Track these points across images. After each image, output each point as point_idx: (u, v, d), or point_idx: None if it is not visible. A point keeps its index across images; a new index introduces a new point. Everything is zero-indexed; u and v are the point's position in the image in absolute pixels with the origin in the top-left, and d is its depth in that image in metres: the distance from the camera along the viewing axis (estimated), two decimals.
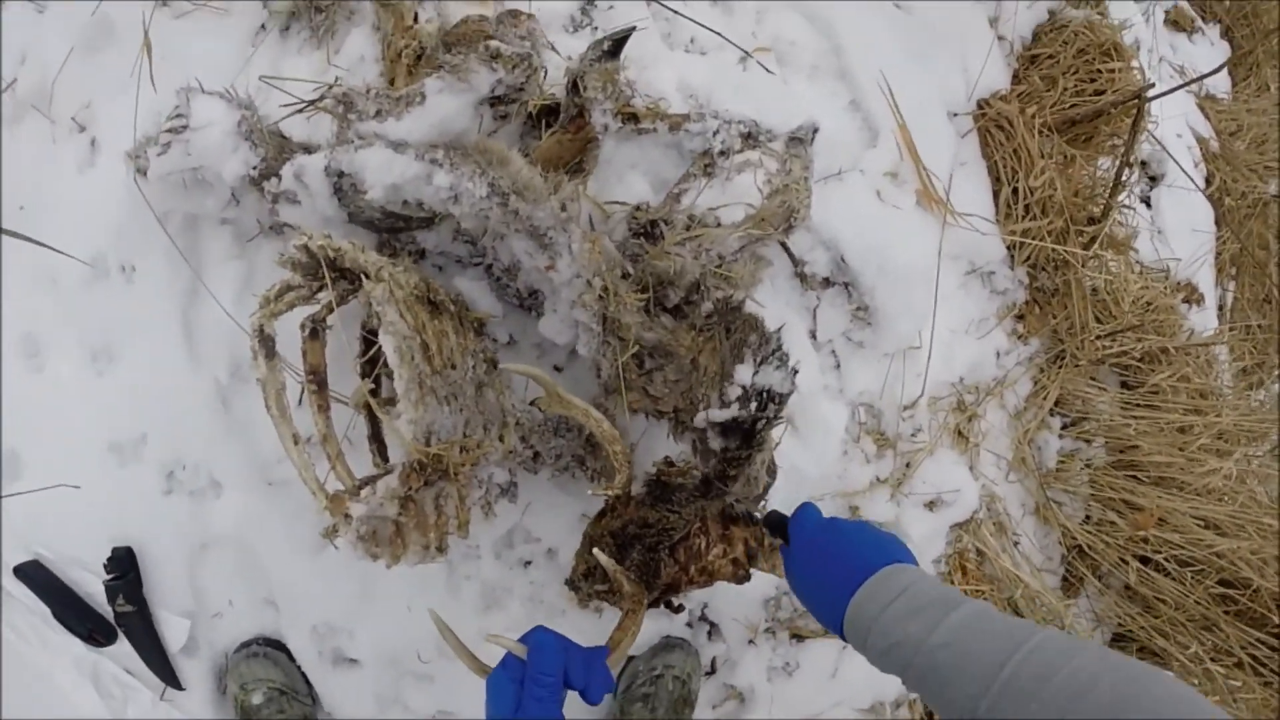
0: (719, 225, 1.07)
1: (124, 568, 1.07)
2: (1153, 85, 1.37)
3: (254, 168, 1.00)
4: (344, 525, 0.82)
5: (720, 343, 0.93)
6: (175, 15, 1.19)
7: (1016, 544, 1.43)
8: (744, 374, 0.82)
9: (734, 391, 0.81)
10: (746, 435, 0.81)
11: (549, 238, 0.87)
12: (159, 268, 1.12)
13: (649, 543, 0.85)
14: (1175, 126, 1.92)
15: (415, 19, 1.13)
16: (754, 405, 0.80)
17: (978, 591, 1.34)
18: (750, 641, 1.18)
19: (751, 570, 0.88)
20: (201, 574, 1.08)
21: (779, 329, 0.87)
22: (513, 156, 0.94)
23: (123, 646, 1.08)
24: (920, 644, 0.57)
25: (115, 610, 1.07)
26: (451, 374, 0.86)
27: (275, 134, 1.05)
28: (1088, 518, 1.53)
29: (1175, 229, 1.84)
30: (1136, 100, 1.37)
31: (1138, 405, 1.58)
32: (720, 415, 0.81)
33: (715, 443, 0.84)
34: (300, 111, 1.11)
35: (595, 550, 0.84)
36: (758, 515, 0.89)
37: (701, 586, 0.87)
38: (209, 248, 1.13)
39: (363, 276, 0.87)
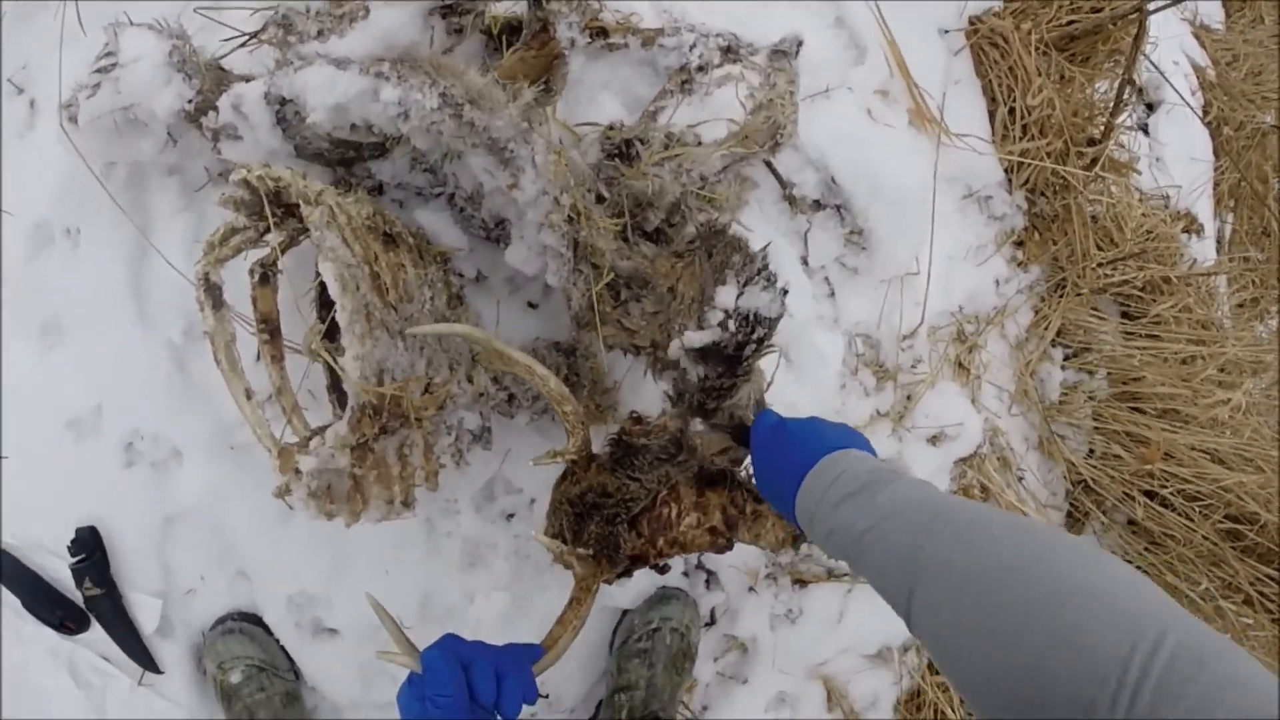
0: (700, 143, 0.94)
1: (89, 548, 0.96)
2: None
3: (189, 101, 0.88)
4: (295, 482, 0.70)
5: (700, 267, 0.79)
6: None
7: (1021, 479, 1.33)
8: (726, 296, 0.70)
9: (715, 316, 0.68)
10: (730, 362, 0.68)
11: (510, 151, 0.75)
12: (103, 227, 0.99)
13: (607, 514, 0.71)
14: (1171, 54, 1.79)
15: None
16: (739, 329, 0.68)
17: None
18: (751, 589, 1.08)
19: (734, 539, 0.75)
20: (170, 550, 0.97)
21: (765, 247, 0.75)
22: (467, 71, 0.81)
23: (97, 633, 0.98)
24: (849, 531, 0.52)
25: (84, 594, 0.96)
26: (407, 308, 0.74)
27: (212, 66, 0.92)
28: (1091, 451, 1.43)
29: (1174, 157, 1.71)
30: (1138, 13, 1.24)
31: (1140, 336, 1.47)
32: (697, 338, 0.68)
33: (693, 372, 0.70)
34: (243, 45, 0.98)
35: (535, 534, 0.72)
36: (740, 474, 0.76)
37: (671, 558, 0.75)
38: (156, 201, 1.01)
39: (302, 204, 0.75)
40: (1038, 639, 0.36)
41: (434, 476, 0.78)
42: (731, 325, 0.68)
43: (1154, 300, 1.50)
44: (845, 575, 1.13)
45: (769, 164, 1.03)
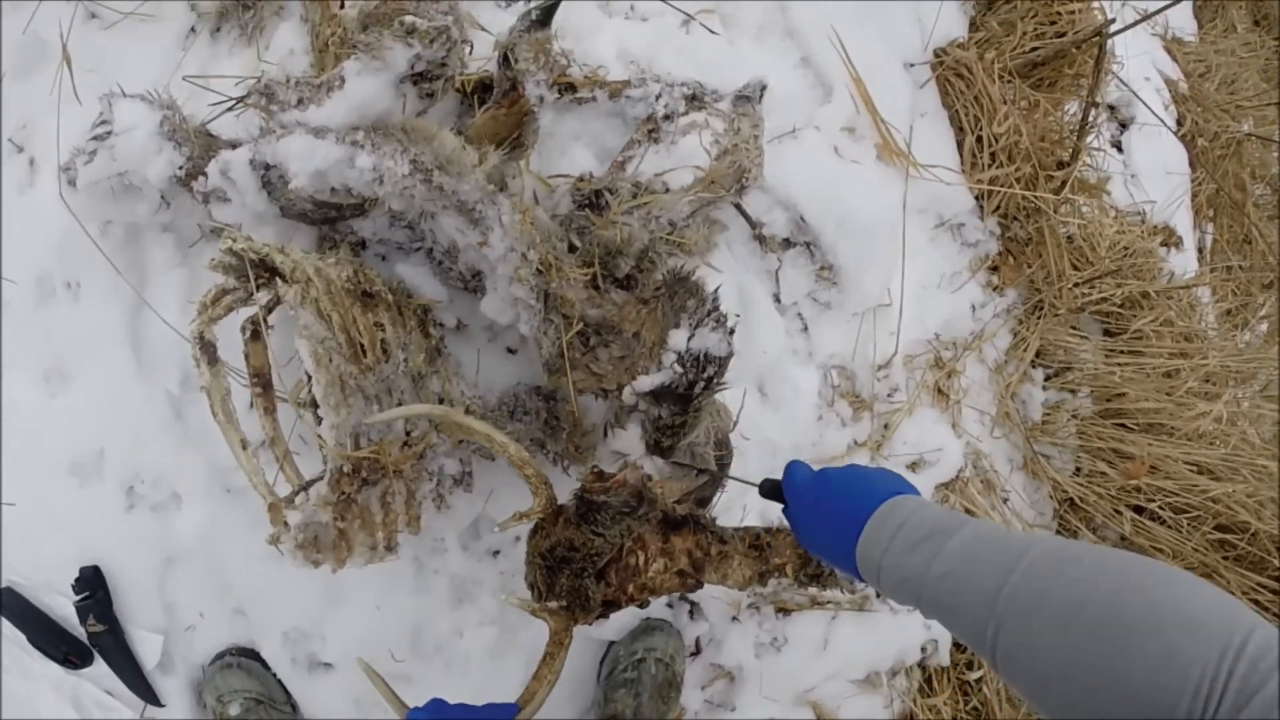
0: (667, 191, 0.97)
1: (92, 587, 1.00)
2: (1114, 21, 1.26)
3: (180, 168, 0.92)
4: (284, 534, 0.73)
5: (663, 312, 0.82)
6: (105, 26, 1.11)
7: (1006, 500, 1.33)
8: (679, 339, 0.72)
9: (669, 358, 0.71)
10: (682, 400, 0.71)
11: (478, 212, 0.79)
12: (102, 283, 1.04)
13: (575, 567, 0.73)
14: (1142, 70, 1.80)
15: (341, 5, 1.04)
16: (687, 369, 0.70)
17: None
18: (734, 618, 1.09)
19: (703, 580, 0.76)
20: (170, 588, 1.01)
21: (715, 289, 0.77)
22: (439, 132, 0.85)
23: (100, 668, 1.01)
24: (924, 577, 0.52)
25: (88, 631, 1.00)
26: (384, 369, 0.78)
27: (201, 133, 0.96)
28: (1078, 470, 1.43)
29: (1149, 172, 1.72)
30: (1098, 37, 1.26)
31: (1121, 352, 1.47)
32: (646, 383, 0.71)
33: (651, 412, 0.74)
34: (230, 110, 1.03)
35: (505, 597, 0.74)
36: (704, 516, 0.78)
37: (645, 603, 0.77)
38: (152, 257, 1.05)
39: (279, 282, 0.78)
40: (1140, 666, 0.38)
41: (416, 521, 0.81)
42: (677, 367, 0.70)
43: (1134, 315, 1.51)
44: (830, 603, 1.14)
45: (738, 206, 1.06)
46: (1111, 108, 1.71)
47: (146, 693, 1.01)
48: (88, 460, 1.03)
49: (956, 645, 1.26)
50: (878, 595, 1.16)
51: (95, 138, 0.95)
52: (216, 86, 1.04)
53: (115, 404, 1.02)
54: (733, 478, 0.80)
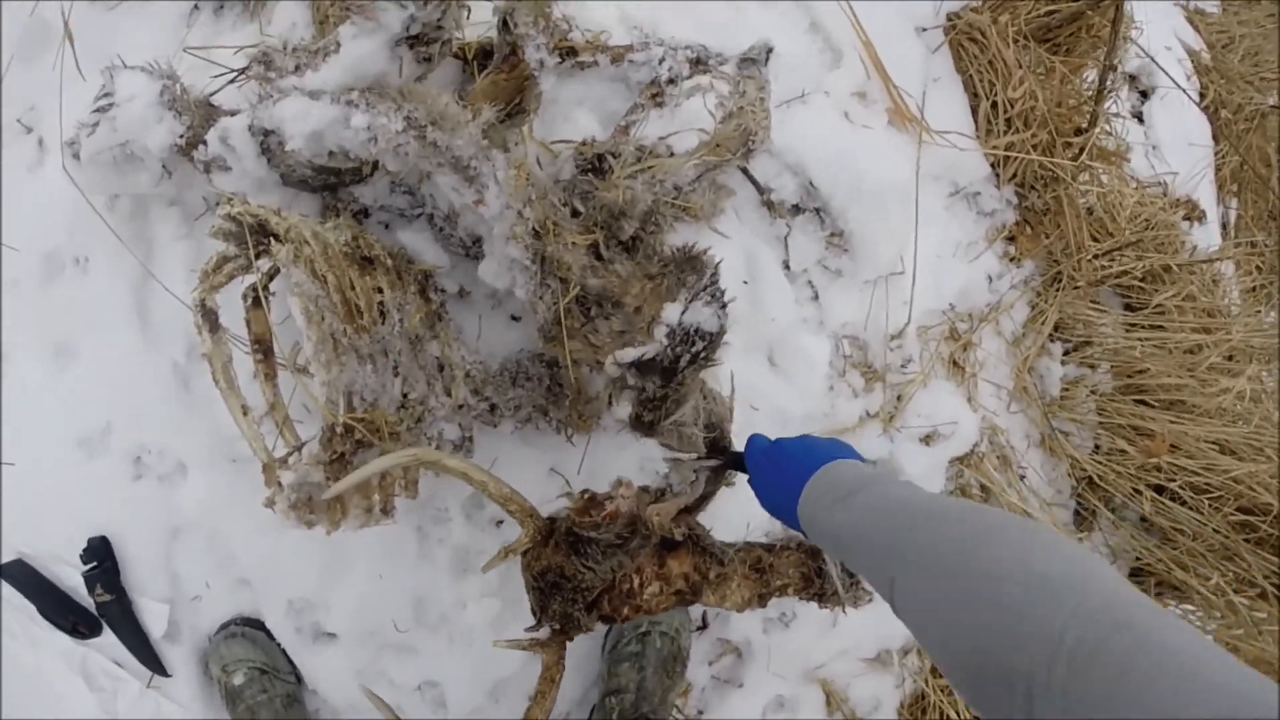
0: (672, 154, 0.93)
1: (100, 557, 0.99)
2: None
3: (180, 136, 0.90)
4: (278, 495, 0.70)
5: (668, 289, 0.78)
6: (109, 8, 1.10)
7: (1023, 477, 1.27)
8: (673, 313, 0.69)
9: (660, 331, 0.67)
10: (666, 374, 0.67)
11: (473, 168, 0.75)
12: (109, 256, 1.02)
13: (566, 595, 0.70)
14: (1163, 39, 1.71)
15: None
16: (673, 343, 0.67)
17: None
18: None
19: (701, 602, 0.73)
20: (176, 558, 0.99)
21: (717, 263, 0.73)
22: (434, 94, 0.81)
23: (108, 638, 1.00)
24: (844, 531, 0.56)
25: (95, 600, 0.98)
26: (380, 330, 0.74)
27: (201, 103, 0.94)
28: (1097, 447, 1.36)
29: (1171, 144, 1.63)
30: None
31: (1142, 327, 1.40)
32: (629, 355, 0.67)
33: (636, 384, 0.69)
34: (232, 81, 1.00)
35: (494, 642, 0.71)
36: (704, 536, 0.74)
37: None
38: (158, 231, 1.03)
39: (272, 241, 0.75)
40: (984, 617, 0.40)
41: (414, 486, 0.77)
42: (664, 340, 0.66)
43: (1156, 290, 1.43)
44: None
45: (744, 170, 1.01)
46: (1132, 77, 1.63)
47: (153, 662, 0.99)
48: (95, 433, 1.02)
49: None
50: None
51: (98, 110, 0.93)
52: (219, 59, 1.01)
53: (122, 377, 1.00)
54: (717, 460, 0.77)
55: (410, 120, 0.75)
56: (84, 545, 0.99)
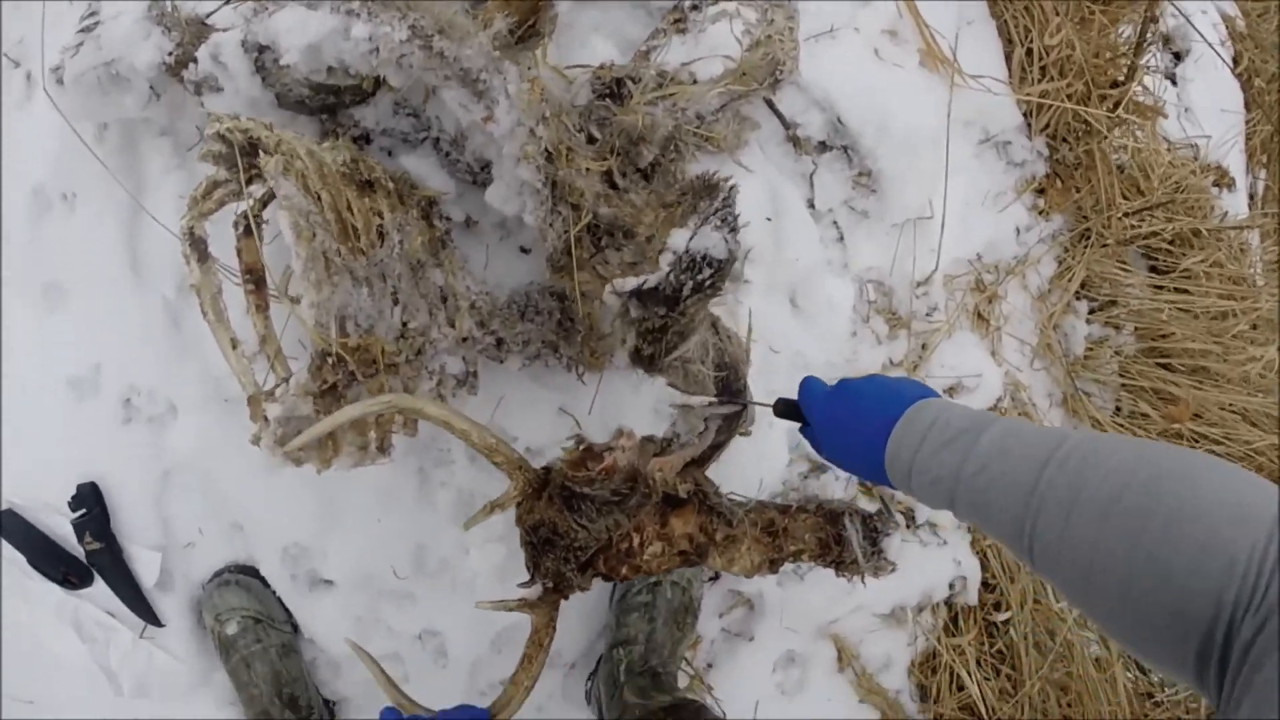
0: (695, 82, 0.87)
1: (89, 503, 0.94)
2: None
3: (169, 54, 0.83)
4: (264, 429, 0.66)
5: (682, 216, 0.72)
6: None
7: None
8: (679, 239, 0.63)
9: (666, 259, 0.61)
10: (669, 303, 0.61)
11: (482, 81, 0.69)
12: (98, 191, 0.97)
13: (559, 554, 0.64)
14: (1199, 2, 1.64)
15: None
16: (676, 270, 0.61)
17: None
18: None
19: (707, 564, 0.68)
20: (168, 503, 0.95)
21: (730, 185, 0.66)
22: (441, 3, 0.75)
23: (100, 588, 0.96)
24: (957, 475, 0.50)
25: (85, 549, 0.94)
26: (378, 253, 0.69)
27: (193, 20, 0.87)
28: (1118, 409, 1.32)
29: (1203, 108, 1.57)
30: None
31: (1169, 290, 1.35)
32: (628, 284, 0.61)
33: (636, 314, 0.63)
34: (228, 2, 0.93)
35: (478, 604, 0.65)
36: (711, 494, 0.68)
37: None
38: (149, 162, 0.98)
39: (261, 153, 0.70)
40: (1183, 553, 0.36)
41: (412, 423, 0.73)
42: (666, 267, 0.61)
43: (1183, 254, 1.38)
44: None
45: (770, 103, 0.95)
46: (1166, 38, 1.56)
47: (146, 612, 0.95)
48: (85, 374, 0.97)
49: (985, 585, 1.17)
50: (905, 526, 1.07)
51: (83, 30, 0.87)
52: None
53: (112, 315, 0.95)
54: (743, 402, 0.70)
55: (415, 29, 0.69)
56: (73, 492, 0.95)
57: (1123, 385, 1.29)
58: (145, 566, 0.95)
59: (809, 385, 0.64)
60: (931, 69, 1.08)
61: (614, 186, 0.80)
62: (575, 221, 0.71)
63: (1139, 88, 1.29)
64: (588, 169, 0.73)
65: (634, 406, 0.89)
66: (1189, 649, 0.35)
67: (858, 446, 0.57)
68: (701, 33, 0.90)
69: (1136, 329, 1.32)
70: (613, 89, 0.84)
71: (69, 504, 0.95)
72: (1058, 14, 1.16)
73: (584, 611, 0.97)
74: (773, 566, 0.71)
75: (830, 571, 0.98)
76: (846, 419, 0.59)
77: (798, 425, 0.66)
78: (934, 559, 1.07)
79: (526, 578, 0.78)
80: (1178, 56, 1.64)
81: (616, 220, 0.76)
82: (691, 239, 0.62)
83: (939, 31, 1.08)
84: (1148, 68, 1.31)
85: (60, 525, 0.97)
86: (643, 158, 0.78)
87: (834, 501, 0.73)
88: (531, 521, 0.64)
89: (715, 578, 1.00)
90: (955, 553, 1.09)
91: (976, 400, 1.08)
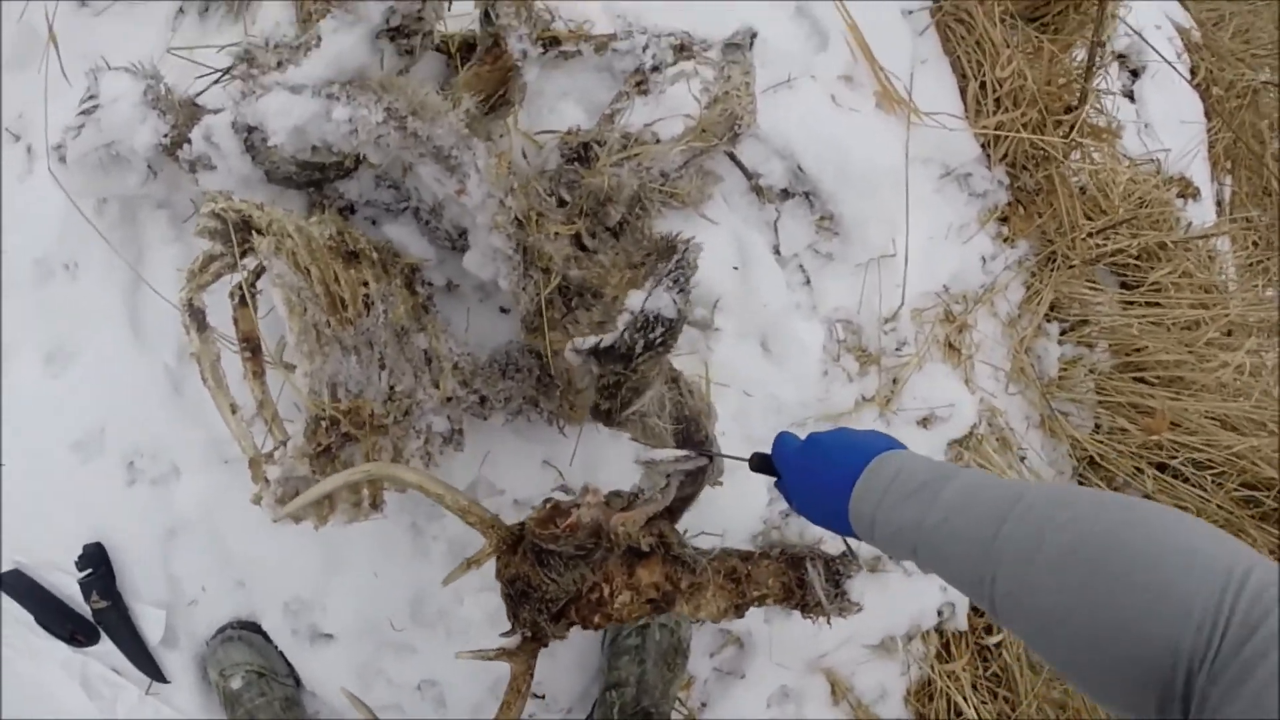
0: (658, 141, 0.92)
1: (95, 563, 0.98)
2: None
3: (165, 135, 0.89)
4: (265, 490, 0.70)
5: (643, 277, 0.77)
6: (95, 13, 1.10)
7: (1023, 459, 1.26)
8: (637, 299, 0.67)
9: (624, 319, 0.66)
10: (624, 360, 0.66)
11: (454, 158, 0.74)
12: (99, 261, 1.02)
13: (534, 605, 0.68)
14: (1153, 18, 1.70)
15: None
16: (630, 330, 0.65)
17: None
18: None
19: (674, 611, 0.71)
20: (172, 562, 0.98)
21: (689, 244, 0.70)
22: (414, 85, 0.80)
23: (106, 645, 0.99)
24: (919, 527, 0.51)
25: (92, 607, 0.97)
26: (364, 322, 0.73)
27: (186, 102, 0.93)
28: (1098, 426, 1.35)
29: (1162, 122, 1.62)
30: None
31: (1139, 304, 1.39)
32: (586, 342, 0.66)
33: (593, 371, 0.68)
34: (216, 81, 0.99)
35: (458, 654, 0.68)
36: (675, 543, 0.71)
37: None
38: (148, 233, 1.03)
39: (254, 234, 0.75)
40: (1139, 600, 0.37)
41: None
42: (621, 326, 0.65)
43: (1151, 267, 1.42)
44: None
45: (732, 156, 1.00)
46: (1121, 56, 1.62)
47: (151, 669, 0.98)
48: (89, 437, 1.01)
49: (975, 609, 1.19)
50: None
51: (83, 112, 0.92)
52: (204, 60, 1.01)
53: (115, 380, 1.00)
54: (718, 454, 0.74)
55: (390, 111, 0.75)
56: (79, 552, 0.98)
57: (1100, 402, 1.32)
58: (150, 624, 0.98)
59: (781, 439, 0.67)
60: (888, 110, 1.13)
61: (583, 248, 0.84)
62: (545, 284, 0.75)
63: (1093, 110, 1.34)
64: (557, 234, 0.78)
65: (613, 458, 0.93)
66: (1149, 696, 0.36)
67: (823, 499, 0.59)
68: (662, 93, 0.95)
69: (1110, 345, 1.35)
70: (580, 153, 0.89)
71: (76, 564, 0.98)
72: (1008, 45, 1.22)
73: (577, 657, 0.99)
74: (738, 611, 0.73)
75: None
76: (813, 473, 0.61)
77: (773, 479, 0.69)
78: (920, 587, 1.09)
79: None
80: (1135, 74, 1.69)
81: (585, 282, 0.80)
82: (646, 299, 0.66)
83: (894, 73, 1.13)
84: (1101, 90, 1.36)
85: (66, 584, 1.00)
86: (610, 217, 0.82)
87: (797, 546, 0.75)
88: (509, 575, 0.67)
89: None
90: (942, 580, 1.11)
91: (951, 429, 1.11)
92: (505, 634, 0.69)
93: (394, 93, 0.76)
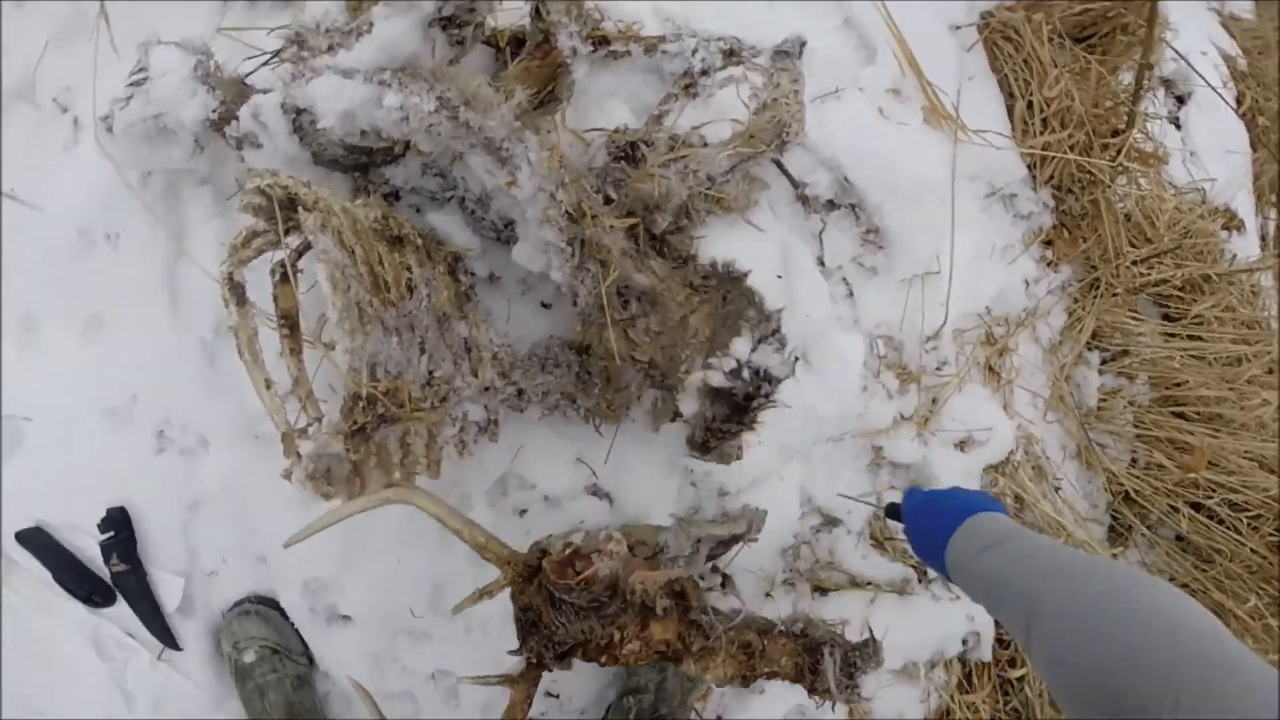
0: (705, 145, 0.92)
1: (118, 527, 0.99)
2: None
3: (213, 110, 0.91)
4: (296, 465, 0.70)
5: (716, 308, 0.82)
6: None
7: (1058, 489, 1.24)
8: (741, 347, 0.76)
9: (728, 363, 0.73)
10: (737, 409, 0.74)
11: (505, 149, 0.75)
12: (141, 233, 1.04)
13: (542, 638, 0.69)
14: (1198, 43, 1.69)
15: None
16: (750, 380, 0.74)
17: None
18: (767, 595, 1.03)
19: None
20: (195, 532, 1.00)
21: (779, 311, 0.78)
22: (466, 75, 0.82)
23: (122, 609, 1.01)
24: (988, 576, 0.62)
25: (111, 570, 0.99)
26: (407, 304, 0.74)
27: (235, 80, 0.95)
28: (1134, 461, 1.33)
29: (1208, 151, 1.60)
30: None
31: (1181, 337, 1.37)
32: (717, 379, 0.73)
33: (706, 409, 0.75)
34: (266, 63, 1.01)
35: (461, 679, 0.73)
36: (693, 607, 0.74)
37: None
38: (190, 208, 1.05)
39: (300, 209, 0.76)
40: (1117, 654, 0.47)
41: (436, 465, 0.77)
42: (745, 375, 0.72)
43: (1194, 300, 1.40)
44: (869, 584, 1.07)
45: (778, 163, 1.00)
46: (1167, 82, 1.61)
47: (165, 635, 0.99)
48: (121, 405, 1.03)
49: (1000, 641, 1.17)
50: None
51: (132, 83, 0.94)
52: (253, 42, 1.03)
53: (150, 351, 1.02)
54: (853, 498, 0.91)
55: (443, 100, 0.76)
56: (103, 514, 1.00)
57: (1138, 436, 1.30)
58: (168, 591, 0.99)
59: (908, 494, 0.81)
60: (935, 125, 1.13)
61: (637, 242, 0.85)
62: (604, 277, 0.76)
63: (1140, 134, 1.33)
64: (611, 226, 0.78)
65: (648, 461, 0.93)
66: None
67: (929, 545, 0.72)
68: (710, 97, 0.96)
69: (1150, 378, 1.33)
70: (627, 152, 0.90)
71: (98, 526, 1.00)
72: (1056, 65, 1.21)
73: None
74: (744, 681, 0.75)
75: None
76: (926, 523, 0.75)
77: (901, 526, 0.81)
78: (947, 615, 1.07)
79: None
80: (1180, 100, 1.68)
81: (648, 290, 0.82)
82: (753, 352, 0.75)
83: (941, 88, 1.13)
84: (1148, 114, 1.35)
85: (88, 546, 1.02)
86: (657, 225, 0.83)
87: (820, 627, 0.78)
88: (522, 603, 0.68)
89: None
90: (968, 608, 1.09)
91: (988, 453, 1.10)
92: (513, 651, 0.69)
93: (446, 82, 0.78)
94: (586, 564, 0.67)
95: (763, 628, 0.76)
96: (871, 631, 0.79)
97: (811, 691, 0.77)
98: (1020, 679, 1.18)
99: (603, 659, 0.70)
